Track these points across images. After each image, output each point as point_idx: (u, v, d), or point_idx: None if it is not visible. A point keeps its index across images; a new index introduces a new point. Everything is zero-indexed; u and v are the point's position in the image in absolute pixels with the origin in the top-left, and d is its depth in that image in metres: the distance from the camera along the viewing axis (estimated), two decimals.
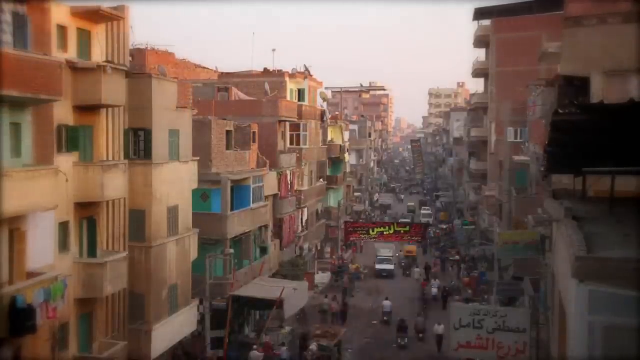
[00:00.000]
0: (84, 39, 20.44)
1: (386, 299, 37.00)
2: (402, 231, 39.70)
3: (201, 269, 26.86)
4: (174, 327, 24.50)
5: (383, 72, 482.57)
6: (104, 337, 21.54)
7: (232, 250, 29.27)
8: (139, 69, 26.01)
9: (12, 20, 17.48)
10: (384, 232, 40.00)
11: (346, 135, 62.71)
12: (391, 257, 50.92)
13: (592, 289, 8.58)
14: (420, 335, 32.49)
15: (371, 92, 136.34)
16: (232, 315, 28.04)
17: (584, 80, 17.74)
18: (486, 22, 58.47)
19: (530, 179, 33.29)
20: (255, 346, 27.13)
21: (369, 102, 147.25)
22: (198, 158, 26.81)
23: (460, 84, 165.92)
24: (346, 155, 59.84)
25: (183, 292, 25.60)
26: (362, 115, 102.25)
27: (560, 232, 12.16)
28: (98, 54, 20.93)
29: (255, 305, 31.41)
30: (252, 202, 32.23)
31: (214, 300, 27.93)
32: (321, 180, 48.20)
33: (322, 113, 48.99)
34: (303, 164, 41.76)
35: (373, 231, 40.25)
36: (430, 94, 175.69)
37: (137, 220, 22.99)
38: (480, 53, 62.80)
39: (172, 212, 24.60)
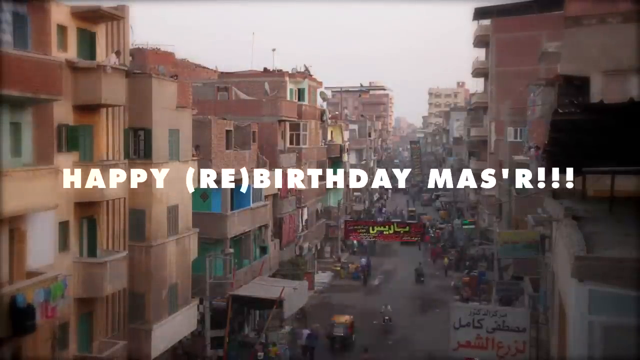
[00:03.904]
0: (84, 38, 20.44)
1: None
2: (402, 231, 40.13)
3: (201, 269, 26.86)
4: (174, 326, 24.51)
5: (383, 72, 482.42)
6: (104, 336, 21.55)
7: (232, 250, 29.31)
8: (139, 68, 25.97)
9: (12, 20, 17.48)
10: (384, 232, 40.36)
11: (346, 135, 62.69)
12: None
13: (592, 289, 8.56)
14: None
15: (371, 92, 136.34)
16: (232, 315, 28.06)
17: (584, 80, 17.74)
18: (486, 22, 58.45)
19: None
20: (255, 346, 27.13)
21: (369, 102, 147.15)
22: (198, 158, 26.82)
23: (460, 83, 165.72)
24: (346, 155, 59.79)
25: (183, 292, 25.60)
26: (362, 115, 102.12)
27: (560, 232, 12.15)
28: (98, 54, 20.92)
29: (255, 305, 31.43)
30: (252, 202, 32.26)
31: (214, 300, 27.94)
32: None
33: (322, 113, 49.00)
34: (303, 163, 41.78)
35: (373, 230, 40.66)
36: (430, 94, 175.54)
37: (137, 220, 23.02)
38: (480, 53, 62.82)
39: (172, 211, 24.61)
